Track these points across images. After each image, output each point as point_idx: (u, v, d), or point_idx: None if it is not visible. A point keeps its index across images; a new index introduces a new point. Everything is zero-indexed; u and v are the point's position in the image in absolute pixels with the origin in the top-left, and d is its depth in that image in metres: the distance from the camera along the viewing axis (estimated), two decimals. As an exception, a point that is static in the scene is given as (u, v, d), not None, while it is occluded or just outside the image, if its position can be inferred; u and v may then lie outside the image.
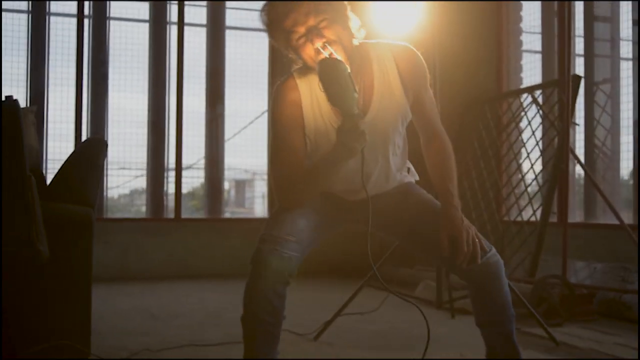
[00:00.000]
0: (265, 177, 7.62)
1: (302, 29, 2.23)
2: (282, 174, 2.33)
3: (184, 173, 7.08)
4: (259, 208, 7.91)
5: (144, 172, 7.09)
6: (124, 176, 7.22)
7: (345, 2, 2.32)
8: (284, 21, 2.24)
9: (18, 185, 2.92)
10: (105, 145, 3.26)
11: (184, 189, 7.22)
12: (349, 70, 2.14)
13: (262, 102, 7.50)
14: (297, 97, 2.34)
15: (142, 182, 7.19)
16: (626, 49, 5.30)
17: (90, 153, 3.19)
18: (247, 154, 7.57)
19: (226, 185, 7.57)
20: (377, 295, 4.18)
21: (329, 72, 2.12)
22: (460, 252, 2.22)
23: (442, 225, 2.28)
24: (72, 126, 6.65)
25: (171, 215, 6.94)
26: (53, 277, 3.04)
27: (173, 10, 7.11)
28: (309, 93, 2.35)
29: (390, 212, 2.45)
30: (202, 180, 7.37)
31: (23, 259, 2.92)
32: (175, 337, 3.72)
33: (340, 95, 2.13)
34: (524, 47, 6.31)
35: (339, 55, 2.22)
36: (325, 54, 2.20)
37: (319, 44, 2.22)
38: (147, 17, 7.15)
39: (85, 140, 3.28)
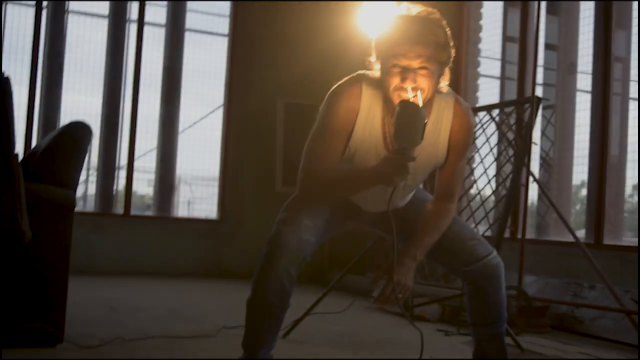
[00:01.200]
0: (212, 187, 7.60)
1: (404, 62, 2.23)
2: (314, 167, 2.37)
3: (136, 174, 7.01)
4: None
5: (94, 170, 6.99)
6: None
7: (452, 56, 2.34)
8: (396, 45, 2.24)
9: (5, 163, 2.88)
10: (90, 130, 3.22)
11: (136, 188, 7.15)
12: (426, 121, 2.20)
13: (218, 100, 7.47)
14: (356, 107, 2.35)
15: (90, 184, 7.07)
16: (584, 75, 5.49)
17: (75, 136, 3.15)
18: (200, 154, 7.52)
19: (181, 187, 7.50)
20: (343, 298, 4.22)
21: (409, 114, 2.17)
22: (383, 293, 2.31)
23: (392, 264, 2.35)
24: (22, 120, 6.53)
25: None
26: (32, 259, 2.99)
27: (133, 7, 7.06)
28: (368, 108, 2.36)
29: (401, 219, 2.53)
30: (152, 178, 7.29)
31: (4, 238, 2.87)
32: (142, 329, 3.68)
33: (409, 138, 2.18)
34: (482, 72, 6.49)
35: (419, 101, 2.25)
36: (410, 95, 2.23)
37: (409, 85, 2.23)
38: (106, 12, 7.07)
39: (69, 123, 3.22)
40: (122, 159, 6.95)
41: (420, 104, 2.22)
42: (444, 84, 2.36)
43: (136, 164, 6.98)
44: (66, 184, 3.13)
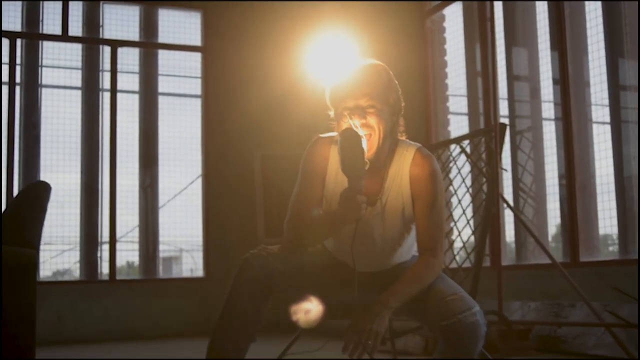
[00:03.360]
0: (194, 253, 7.61)
1: (351, 103, 2.36)
2: (293, 213, 2.46)
3: (118, 245, 7.03)
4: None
5: (76, 244, 7.00)
6: (50, 250, 7.06)
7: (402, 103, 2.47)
8: (344, 89, 2.39)
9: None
10: (49, 188, 3.27)
11: (118, 262, 7.16)
12: (365, 147, 2.26)
13: (196, 169, 7.52)
14: (326, 155, 2.50)
15: (73, 258, 7.07)
16: (547, 89, 5.57)
17: (34, 195, 3.20)
18: (181, 224, 7.54)
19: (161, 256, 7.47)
20: (315, 342, 4.19)
21: (346, 141, 2.24)
22: (348, 341, 2.24)
23: (362, 310, 2.27)
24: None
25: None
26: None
27: (106, 77, 7.18)
28: (336, 156, 2.43)
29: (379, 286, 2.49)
30: (136, 251, 7.29)
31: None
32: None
33: (350, 165, 2.24)
34: (451, 109, 6.59)
35: (368, 140, 2.35)
36: (352, 124, 2.33)
37: (357, 121, 2.34)
38: (79, 84, 7.18)
39: (28, 185, 3.28)
40: (104, 228, 6.98)
41: (372, 143, 2.33)
42: (401, 131, 2.47)
43: (119, 233, 7.01)
44: (28, 244, 3.16)
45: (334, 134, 2.49)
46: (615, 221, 4.90)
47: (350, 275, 2.44)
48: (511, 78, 5.82)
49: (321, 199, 2.50)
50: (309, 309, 2.36)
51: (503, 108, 5.86)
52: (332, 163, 2.48)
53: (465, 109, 6.29)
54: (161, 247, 7.36)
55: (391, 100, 2.40)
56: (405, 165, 2.45)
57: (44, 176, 6.87)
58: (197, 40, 7.60)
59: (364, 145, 2.26)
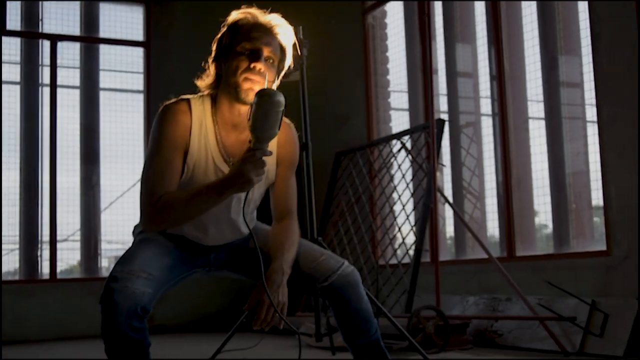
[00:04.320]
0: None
1: (256, 45, 2.32)
2: (156, 191, 2.25)
3: (61, 244, 6.93)
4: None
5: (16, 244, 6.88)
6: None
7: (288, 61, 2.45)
8: (249, 30, 2.35)
9: None
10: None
11: (64, 262, 7.06)
12: (283, 109, 2.14)
13: (139, 166, 7.41)
14: (187, 122, 2.34)
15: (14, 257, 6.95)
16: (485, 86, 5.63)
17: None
18: (125, 222, 7.44)
19: (104, 262, 7.35)
20: (250, 337, 4.20)
21: (272, 101, 2.10)
22: (258, 317, 2.19)
23: (258, 284, 2.24)
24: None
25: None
26: None
27: (45, 72, 7.06)
28: (199, 123, 2.35)
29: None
30: (77, 252, 7.18)
31: None
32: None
33: (268, 125, 2.12)
34: (392, 105, 6.62)
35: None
36: (266, 82, 2.29)
37: (259, 67, 2.29)
38: (18, 79, 7.05)
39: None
40: (45, 227, 6.87)
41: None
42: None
43: (60, 232, 6.91)
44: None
45: (186, 97, 2.40)
46: (550, 216, 4.97)
47: (205, 253, 2.48)
48: (452, 74, 5.86)
49: (183, 173, 2.34)
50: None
51: (443, 103, 5.91)
52: (195, 131, 2.34)
53: (406, 105, 6.32)
54: (108, 245, 7.27)
55: (283, 60, 2.43)
56: None
57: (-19, 174, 6.74)
58: (139, 35, 7.51)
59: (283, 102, 2.13)
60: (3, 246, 6.82)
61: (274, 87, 2.40)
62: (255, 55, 2.30)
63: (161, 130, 2.32)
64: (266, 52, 2.33)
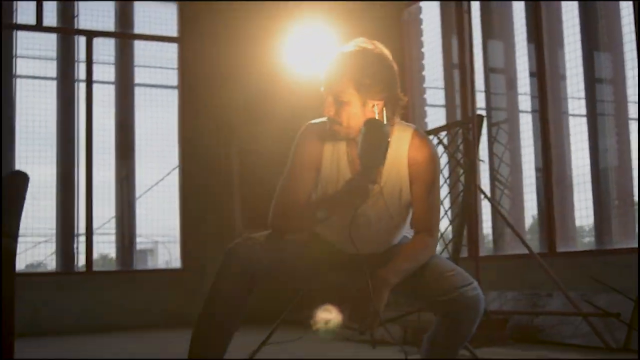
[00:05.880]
0: (170, 245, 7.59)
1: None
2: (283, 200, 2.43)
3: (95, 237, 6.99)
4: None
5: (52, 237, 6.94)
6: (26, 243, 7.01)
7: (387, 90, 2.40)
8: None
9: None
10: (27, 178, 3.25)
11: (95, 255, 7.12)
12: (389, 140, 2.27)
13: (172, 161, 7.48)
14: (321, 142, 2.46)
15: (48, 250, 7.02)
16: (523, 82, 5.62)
17: (14, 185, 3.18)
18: (157, 216, 7.51)
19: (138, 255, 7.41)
20: (295, 332, 4.22)
21: (373, 131, 2.25)
22: (370, 324, 2.23)
23: (361, 289, 2.28)
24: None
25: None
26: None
27: (81, 68, 7.12)
28: (333, 143, 2.45)
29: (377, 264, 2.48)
30: (112, 243, 7.25)
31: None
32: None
33: (369, 154, 2.26)
34: (428, 102, 6.62)
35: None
36: (376, 113, 2.31)
37: (375, 105, 2.32)
38: (54, 75, 7.12)
39: (6, 175, 3.26)
40: (81, 220, 6.93)
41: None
42: (398, 115, 2.42)
43: (95, 225, 6.98)
44: (6, 233, 3.14)
45: (324, 119, 2.45)
46: (591, 212, 4.96)
47: (345, 259, 2.48)
48: (488, 70, 5.86)
49: (313, 186, 2.47)
50: (329, 318, 2.35)
51: (480, 100, 5.90)
52: (327, 149, 2.45)
53: (442, 101, 6.32)
54: (137, 239, 7.32)
55: (373, 92, 2.33)
56: (403, 148, 2.42)
57: (19, 168, 6.78)
58: (173, 31, 7.56)
59: (388, 136, 2.26)
60: (34, 239, 6.90)
61: (395, 115, 2.42)
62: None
63: (297, 149, 2.48)
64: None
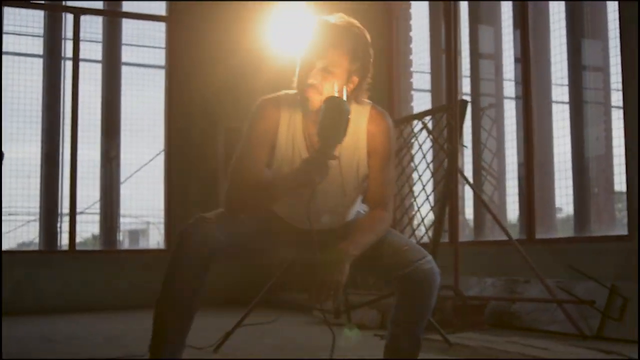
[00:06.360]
0: (161, 226, 7.57)
1: (314, 63, 2.33)
2: (236, 179, 2.39)
3: (80, 217, 6.98)
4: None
5: (36, 216, 6.93)
6: (16, 221, 7.01)
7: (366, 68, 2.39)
8: (310, 49, 2.35)
9: None
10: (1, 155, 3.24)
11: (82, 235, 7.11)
12: (349, 117, 2.24)
13: (159, 141, 7.46)
14: (276, 117, 2.42)
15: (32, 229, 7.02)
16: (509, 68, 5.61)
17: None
18: (143, 197, 7.49)
19: (120, 235, 7.40)
20: (269, 314, 4.24)
21: (335, 109, 2.22)
22: (316, 295, 2.22)
23: (326, 262, 2.26)
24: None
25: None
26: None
27: (68, 46, 7.08)
28: (288, 118, 2.42)
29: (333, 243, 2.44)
30: (96, 224, 7.24)
31: None
32: (77, 354, 3.66)
33: (329, 131, 2.23)
34: (414, 86, 6.61)
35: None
36: (335, 91, 2.30)
37: (312, 81, 2.31)
38: (41, 52, 7.08)
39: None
40: (65, 199, 6.91)
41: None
42: (364, 95, 2.42)
43: (81, 205, 6.96)
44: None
45: (283, 92, 2.45)
46: (571, 199, 4.96)
47: (301, 235, 2.47)
48: (475, 56, 5.84)
49: (268, 163, 2.44)
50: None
51: (466, 85, 5.89)
52: (284, 125, 2.42)
53: (428, 86, 6.31)
54: (127, 219, 7.32)
55: (354, 67, 2.35)
56: (361, 122, 2.42)
57: (4, 146, 6.77)
58: (161, 10, 7.51)
59: (349, 114, 2.23)
60: (23, 217, 6.89)
61: (363, 94, 2.42)
62: (313, 72, 2.32)
63: (251, 124, 2.43)
64: (321, 64, 2.32)
